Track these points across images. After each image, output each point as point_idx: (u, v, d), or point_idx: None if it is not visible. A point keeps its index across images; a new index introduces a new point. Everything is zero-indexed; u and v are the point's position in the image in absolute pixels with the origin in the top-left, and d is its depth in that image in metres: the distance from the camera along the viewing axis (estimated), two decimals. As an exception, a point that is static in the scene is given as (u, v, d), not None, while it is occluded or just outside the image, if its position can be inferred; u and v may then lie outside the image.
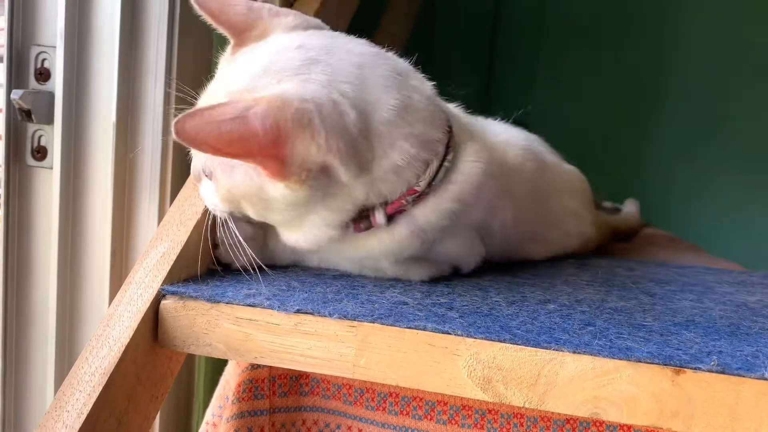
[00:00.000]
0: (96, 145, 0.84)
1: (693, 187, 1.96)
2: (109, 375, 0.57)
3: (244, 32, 0.63)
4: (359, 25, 1.10)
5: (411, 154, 0.60)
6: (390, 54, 0.64)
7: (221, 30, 0.64)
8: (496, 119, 0.83)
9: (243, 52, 0.62)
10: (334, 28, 1.01)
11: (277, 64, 0.57)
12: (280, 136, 0.53)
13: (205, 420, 0.75)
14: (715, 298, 0.73)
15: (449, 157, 0.63)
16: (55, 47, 0.83)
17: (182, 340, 0.62)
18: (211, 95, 0.62)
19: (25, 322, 0.88)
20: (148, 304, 0.62)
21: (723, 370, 0.50)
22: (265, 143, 0.53)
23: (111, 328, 0.61)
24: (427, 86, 0.64)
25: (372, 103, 0.58)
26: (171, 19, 0.84)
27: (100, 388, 0.57)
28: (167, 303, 0.62)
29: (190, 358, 0.94)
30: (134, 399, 0.61)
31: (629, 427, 0.63)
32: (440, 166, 0.62)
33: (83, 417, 0.55)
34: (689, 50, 1.93)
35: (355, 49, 0.61)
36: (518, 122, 0.86)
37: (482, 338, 0.55)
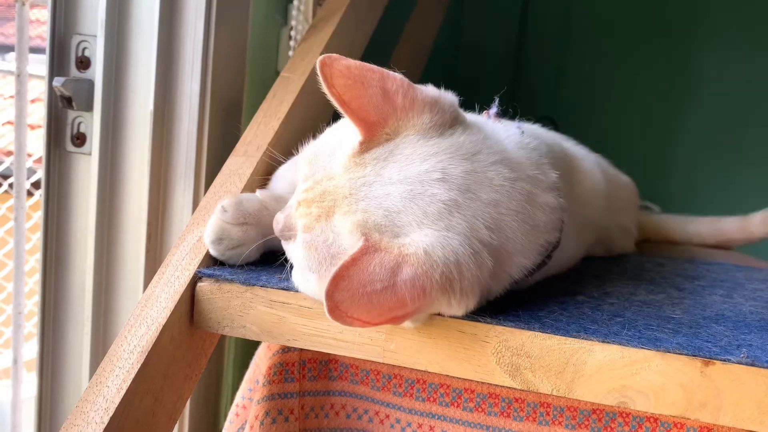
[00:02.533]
0: (134, 133, 0.86)
1: (720, 186, 1.94)
2: (147, 353, 0.59)
3: (375, 128, 0.55)
4: (386, 23, 1.12)
5: (525, 266, 0.59)
6: (526, 169, 0.59)
7: (349, 119, 0.55)
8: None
9: (374, 157, 0.55)
10: (364, 25, 1.02)
11: (416, 200, 0.53)
12: (424, 301, 0.51)
13: (235, 402, 0.77)
14: (745, 294, 0.73)
15: (555, 250, 0.62)
16: (95, 36, 0.85)
17: (217, 321, 0.64)
18: (331, 194, 0.55)
19: (62, 303, 0.91)
20: (184, 286, 0.63)
21: (753, 363, 0.50)
22: (411, 310, 0.51)
23: (149, 308, 0.62)
24: (552, 197, 0.60)
25: (504, 242, 0.56)
26: (208, 10, 0.85)
27: (138, 366, 0.59)
28: (203, 285, 0.64)
29: (220, 341, 0.96)
30: (170, 378, 0.63)
31: (655, 418, 0.64)
32: (543, 262, 0.61)
33: (122, 392, 0.57)
34: (719, 49, 1.91)
35: (495, 178, 0.56)
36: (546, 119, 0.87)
37: (511, 326, 0.56)
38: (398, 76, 0.56)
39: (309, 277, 0.56)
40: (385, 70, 0.56)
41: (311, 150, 0.59)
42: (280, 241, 0.62)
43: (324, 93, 0.55)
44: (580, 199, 0.74)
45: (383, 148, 0.55)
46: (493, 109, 0.66)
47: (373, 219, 0.52)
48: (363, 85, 0.54)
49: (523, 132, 0.64)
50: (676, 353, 0.52)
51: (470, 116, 0.62)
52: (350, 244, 0.53)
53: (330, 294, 0.48)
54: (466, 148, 0.56)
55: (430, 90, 0.58)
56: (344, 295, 0.48)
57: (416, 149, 0.55)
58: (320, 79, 0.54)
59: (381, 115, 0.55)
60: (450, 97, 0.59)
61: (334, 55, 0.55)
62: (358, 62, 0.55)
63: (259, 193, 0.69)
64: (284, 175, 0.73)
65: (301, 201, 0.56)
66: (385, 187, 0.53)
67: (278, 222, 0.60)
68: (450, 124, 0.57)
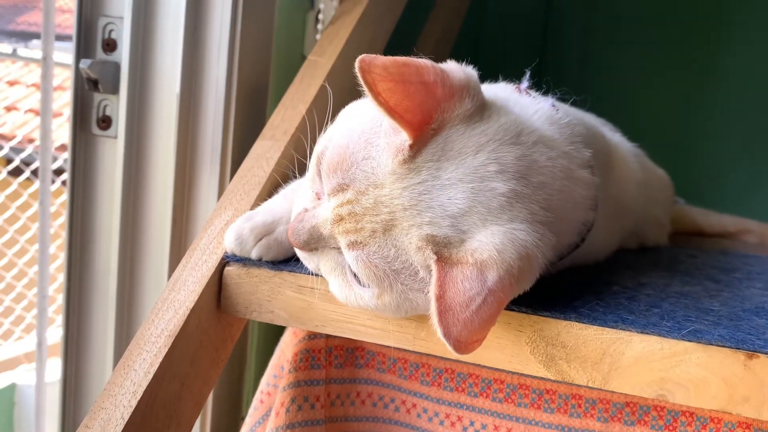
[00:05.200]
0: (159, 116, 0.86)
1: (746, 182, 1.90)
2: (174, 337, 0.59)
3: (421, 127, 0.51)
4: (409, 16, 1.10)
5: (566, 245, 0.60)
6: (561, 146, 0.58)
7: (397, 124, 0.51)
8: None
9: (427, 159, 0.51)
10: (383, 22, 1.00)
11: (478, 198, 0.51)
12: (512, 294, 0.51)
13: (259, 389, 0.76)
14: (784, 287, 0.71)
15: (589, 233, 0.62)
16: (122, 18, 0.84)
17: (245, 306, 0.63)
18: (386, 206, 0.51)
19: (87, 287, 0.91)
20: (212, 270, 0.62)
21: (799, 357, 0.49)
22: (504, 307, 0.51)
23: (176, 292, 0.62)
24: (587, 173, 0.60)
25: (557, 224, 0.55)
26: (235, -8, 0.84)
27: (166, 350, 0.58)
28: (231, 269, 0.63)
29: (244, 327, 0.95)
30: (196, 363, 0.62)
31: (691, 412, 0.62)
32: (577, 245, 0.61)
33: (150, 376, 0.56)
34: (750, 34, 1.86)
35: (539, 159, 0.55)
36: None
37: (547, 315, 0.54)
38: (429, 63, 0.52)
39: (362, 292, 0.54)
40: (417, 61, 0.52)
41: (333, 154, 0.54)
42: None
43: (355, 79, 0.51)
44: (615, 184, 0.72)
45: (433, 146, 0.52)
46: (524, 84, 0.64)
47: (442, 232, 0.50)
48: (404, 85, 0.50)
49: (554, 106, 0.62)
50: (719, 345, 0.51)
51: (486, 87, 0.59)
52: (420, 261, 0.51)
53: (447, 333, 0.47)
54: (511, 131, 0.54)
55: (456, 70, 0.54)
56: (458, 326, 0.48)
57: (466, 141, 0.52)
58: (364, 88, 0.50)
59: (425, 112, 0.51)
60: (473, 73, 0.55)
61: (367, 56, 0.50)
62: (391, 58, 0.50)
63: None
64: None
65: (344, 215, 0.52)
66: (446, 190, 0.51)
67: (299, 234, 0.55)
68: (484, 104, 0.55)
